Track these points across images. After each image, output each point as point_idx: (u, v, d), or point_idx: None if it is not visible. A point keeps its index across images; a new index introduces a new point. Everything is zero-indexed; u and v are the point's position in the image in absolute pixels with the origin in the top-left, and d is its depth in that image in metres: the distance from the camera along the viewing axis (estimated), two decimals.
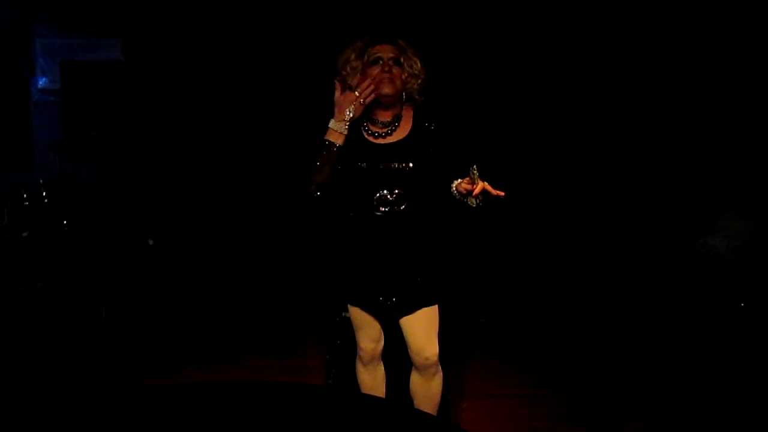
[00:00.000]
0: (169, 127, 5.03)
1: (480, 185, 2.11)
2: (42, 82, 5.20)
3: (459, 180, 2.23)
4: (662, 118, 4.55)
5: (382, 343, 2.55)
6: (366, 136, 2.40)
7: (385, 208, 2.34)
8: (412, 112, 2.42)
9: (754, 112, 4.20)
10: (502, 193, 2.14)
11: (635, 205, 4.56)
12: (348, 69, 2.35)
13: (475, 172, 2.13)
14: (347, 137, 2.31)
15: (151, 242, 4.95)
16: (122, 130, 4.93)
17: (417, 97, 2.42)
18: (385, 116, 2.39)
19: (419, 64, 2.37)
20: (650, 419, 3.09)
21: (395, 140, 2.37)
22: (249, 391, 2.01)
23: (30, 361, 3.68)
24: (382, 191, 2.34)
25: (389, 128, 2.39)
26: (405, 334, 2.44)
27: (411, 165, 2.33)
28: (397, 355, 2.55)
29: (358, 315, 2.48)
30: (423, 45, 2.43)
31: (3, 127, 5.27)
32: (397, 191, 2.33)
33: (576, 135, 4.75)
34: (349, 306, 2.50)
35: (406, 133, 2.38)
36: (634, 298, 4.20)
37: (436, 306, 2.42)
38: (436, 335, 2.43)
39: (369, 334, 2.50)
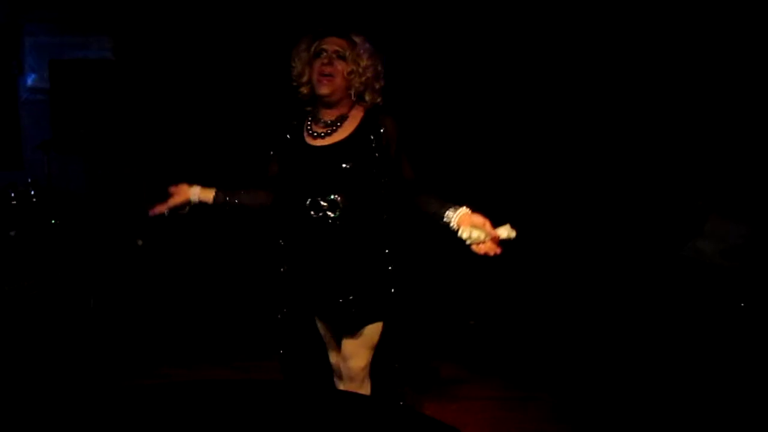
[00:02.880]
0: (159, 126, 5.00)
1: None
2: (31, 81, 5.17)
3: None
4: (651, 121, 4.56)
5: None
6: (305, 136, 2.26)
7: (317, 213, 2.19)
8: (362, 114, 2.25)
9: (743, 114, 4.22)
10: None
11: (624, 207, 4.57)
12: (296, 59, 2.25)
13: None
14: (287, 137, 2.28)
15: (140, 242, 4.93)
16: (112, 129, 4.91)
17: (367, 97, 2.25)
18: (328, 115, 2.25)
19: (366, 61, 2.20)
20: None
21: (333, 142, 2.22)
22: (239, 389, 1.98)
23: (17, 361, 3.66)
24: (315, 196, 2.19)
25: (329, 129, 2.23)
26: (341, 341, 2.32)
27: (346, 167, 2.17)
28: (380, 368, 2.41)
29: (321, 328, 2.37)
30: (391, 47, 2.36)
31: None
32: (331, 197, 2.18)
33: (565, 137, 4.76)
34: (315, 319, 2.37)
35: (348, 134, 2.22)
36: (624, 302, 4.21)
37: (378, 322, 2.25)
38: (368, 348, 2.27)
39: (335, 349, 2.37)
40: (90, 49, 5.08)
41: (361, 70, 2.20)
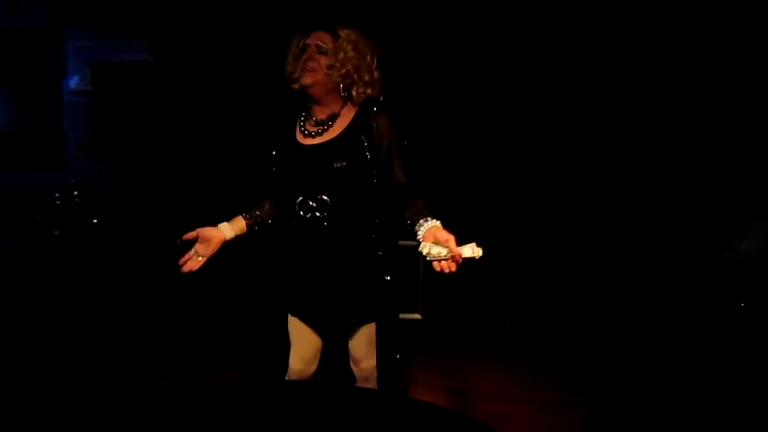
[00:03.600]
0: (196, 128, 5.07)
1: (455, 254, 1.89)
2: (73, 84, 5.28)
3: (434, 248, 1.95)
4: (696, 121, 4.49)
5: (315, 366, 2.36)
6: (296, 135, 2.24)
7: (305, 214, 2.16)
8: (354, 112, 2.21)
9: None
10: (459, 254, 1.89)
11: (668, 208, 4.50)
12: (289, 56, 2.24)
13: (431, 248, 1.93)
14: (280, 136, 2.26)
15: (178, 242, 4.99)
16: (150, 130, 4.98)
17: (354, 92, 2.18)
18: (320, 113, 2.22)
19: (347, 54, 2.15)
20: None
21: (324, 140, 2.18)
22: (268, 388, 2.00)
23: (58, 357, 3.74)
24: (303, 196, 2.16)
25: (320, 128, 2.20)
26: (347, 345, 2.30)
27: (337, 166, 2.12)
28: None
29: (295, 329, 2.33)
30: (391, 45, 2.29)
31: (36, 128, 5.36)
32: (320, 196, 2.15)
33: (607, 136, 4.70)
34: (288, 316, 2.33)
35: (339, 132, 2.18)
36: (665, 304, 4.15)
37: (377, 319, 2.22)
38: (374, 347, 2.23)
39: (302, 353, 2.32)
40: (129, 53, 5.16)
41: (339, 63, 2.14)
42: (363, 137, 2.14)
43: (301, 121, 2.25)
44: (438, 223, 2.03)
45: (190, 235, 2.21)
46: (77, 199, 4.64)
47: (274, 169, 2.23)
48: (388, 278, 2.20)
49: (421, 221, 2.04)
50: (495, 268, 4.66)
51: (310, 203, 2.15)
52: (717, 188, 4.30)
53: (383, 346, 2.24)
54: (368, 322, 2.23)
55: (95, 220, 4.68)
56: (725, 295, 3.69)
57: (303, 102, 2.29)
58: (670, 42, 4.47)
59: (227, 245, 2.26)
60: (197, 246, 2.21)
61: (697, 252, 4.09)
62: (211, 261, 2.25)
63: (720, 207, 4.15)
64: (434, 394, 3.38)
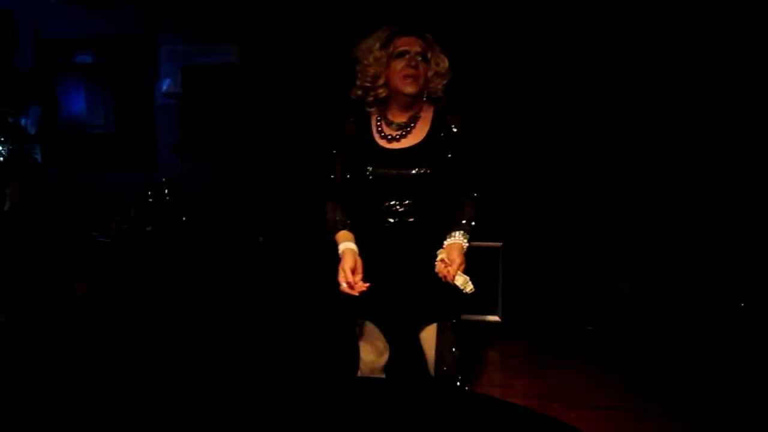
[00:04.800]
0: (282, 129, 5.20)
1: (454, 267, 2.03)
2: (165, 86, 5.52)
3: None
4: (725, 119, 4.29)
5: (386, 357, 2.36)
6: (377, 139, 2.21)
7: (393, 219, 2.16)
8: (431, 114, 2.22)
9: None
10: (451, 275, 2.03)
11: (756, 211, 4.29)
12: (371, 59, 2.16)
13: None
14: (354, 140, 2.22)
15: (261, 239, 5.14)
16: (238, 132, 5.14)
17: (441, 96, 2.21)
18: (401, 117, 2.21)
19: (446, 63, 2.18)
20: None
21: (408, 145, 2.18)
22: (354, 385, 2.03)
23: (150, 349, 3.91)
24: (391, 201, 2.15)
25: (403, 131, 2.19)
26: (422, 348, 2.30)
27: (424, 172, 2.12)
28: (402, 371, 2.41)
29: (362, 325, 2.32)
30: (448, 44, 2.25)
31: (130, 130, 5.65)
32: (407, 201, 2.14)
33: (671, 140, 4.52)
34: (359, 322, 2.32)
35: (422, 137, 2.18)
36: (754, 314, 3.95)
37: (454, 320, 2.24)
38: (451, 348, 2.25)
39: (374, 345, 2.33)
40: (218, 56, 5.34)
41: (443, 71, 2.18)
42: (444, 141, 2.17)
43: (378, 123, 2.23)
44: (463, 241, 2.11)
45: (358, 283, 2.10)
46: (168, 198, 4.86)
47: (367, 172, 2.18)
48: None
49: (452, 231, 2.13)
50: (577, 271, 4.56)
51: (398, 208, 2.15)
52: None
53: (461, 346, 2.25)
54: (445, 319, 2.24)
55: (184, 218, 4.88)
56: None
57: (364, 105, 2.26)
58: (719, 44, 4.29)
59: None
60: (350, 275, 2.11)
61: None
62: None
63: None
64: (511, 397, 3.34)
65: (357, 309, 2.28)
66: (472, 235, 2.15)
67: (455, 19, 4.56)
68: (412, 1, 4.11)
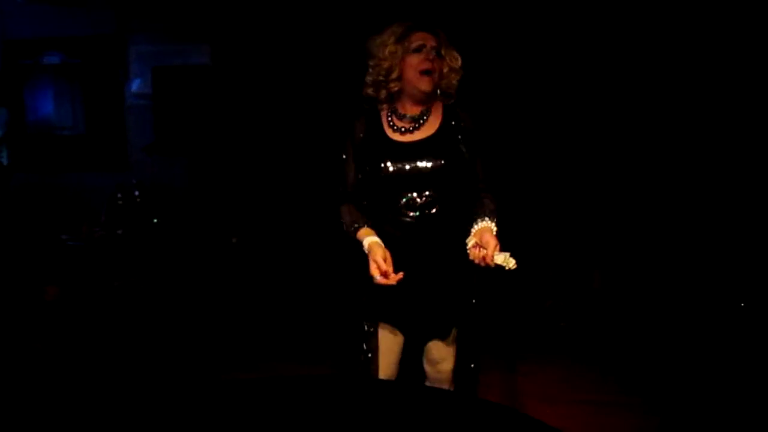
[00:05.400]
0: (253, 128, 5.17)
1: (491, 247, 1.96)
2: (135, 87, 5.46)
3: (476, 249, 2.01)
4: (723, 118, 4.37)
5: (398, 366, 2.32)
6: (389, 133, 2.18)
7: (414, 212, 2.13)
8: (441, 108, 2.21)
9: None
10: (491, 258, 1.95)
11: (732, 204, 4.36)
12: (386, 53, 2.13)
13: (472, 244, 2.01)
14: (366, 137, 2.17)
15: (234, 240, 5.11)
16: (209, 132, 5.11)
17: (453, 93, 2.20)
18: (414, 110, 2.18)
19: (460, 59, 2.17)
20: None
21: (423, 137, 2.16)
22: (343, 385, 2.01)
23: (121, 351, 3.86)
24: (411, 194, 2.12)
25: (416, 123, 2.17)
26: (424, 347, 2.27)
27: (441, 163, 2.11)
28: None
29: (385, 336, 2.24)
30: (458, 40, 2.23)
31: (100, 130, 5.57)
32: (427, 193, 2.12)
33: (666, 130, 4.58)
34: (379, 325, 2.24)
35: (435, 129, 2.17)
36: (727, 305, 4.02)
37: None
38: (454, 350, 2.25)
39: (392, 358, 2.27)
40: (190, 56, 5.30)
41: (457, 67, 2.16)
42: (457, 134, 2.17)
43: (389, 117, 2.20)
44: (491, 225, 2.07)
45: (395, 276, 2.04)
46: (139, 200, 4.81)
47: (383, 167, 2.13)
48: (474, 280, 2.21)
49: (477, 218, 2.09)
50: (550, 268, 4.60)
51: (418, 201, 2.12)
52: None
53: (466, 348, 2.25)
54: (458, 322, 2.23)
55: (156, 220, 4.83)
56: None
57: (372, 100, 2.23)
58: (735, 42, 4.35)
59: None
60: (383, 265, 2.05)
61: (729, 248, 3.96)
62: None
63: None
64: (487, 395, 3.34)
65: (382, 311, 2.22)
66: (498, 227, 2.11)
67: (450, 18, 4.56)
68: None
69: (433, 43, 2.13)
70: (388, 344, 2.27)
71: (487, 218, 2.09)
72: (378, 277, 2.02)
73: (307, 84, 5.03)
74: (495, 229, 2.06)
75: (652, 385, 3.47)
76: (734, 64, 4.34)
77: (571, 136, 4.70)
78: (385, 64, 2.14)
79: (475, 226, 2.08)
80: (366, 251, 2.09)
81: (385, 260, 2.03)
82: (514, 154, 4.63)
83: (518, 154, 4.66)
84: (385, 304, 2.20)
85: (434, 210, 2.13)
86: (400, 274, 2.01)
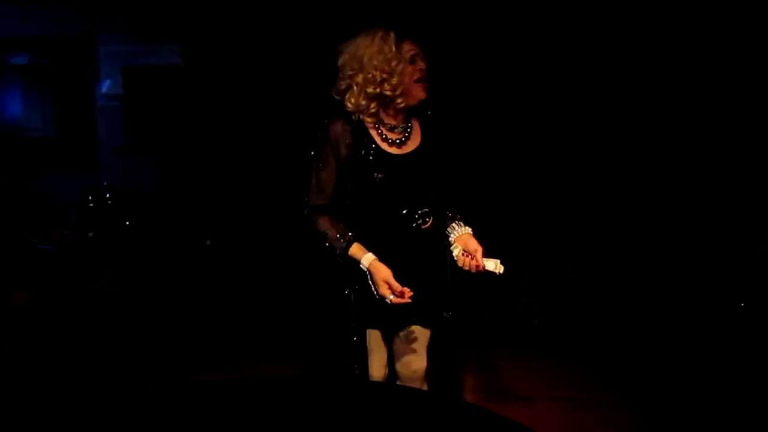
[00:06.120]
0: (227, 129, 5.14)
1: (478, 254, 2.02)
2: (106, 88, 5.39)
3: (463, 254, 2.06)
4: (719, 117, 4.42)
5: (388, 369, 2.33)
6: (381, 143, 2.12)
7: (412, 224, 2.13)
8: (416, 119, 2.20)
9: None
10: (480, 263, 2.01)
11: (702, 205, 4.43)
12: (392, 65, 2.05)
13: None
14: (355, 147, 2.10)
15: (208, 242, 5.07)
16: (182, 133, 5.06)
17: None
18: (398, 120, 2.16)
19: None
20: None
21: (413, 148, 2.15)
22: (310, 385, 2.01)
23: (91, 355, 3.82)
24: (406, 208, 2.12)
25: (404, 135, 2.14)
26: (395, 347, 2.27)
27: (434, 173, 2.15)
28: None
29: (375, 339, 2.25)
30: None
31: (70, 132, 5.49)
32: (420, 206, 2.13)
33: (636, 132, 4.64)
34: (367, 330, 2.24)
35: (419, 141, 2.16)
36: (699, 300, 4.08)
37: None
38: (426, 349, 2.26)
39: (381, 359, 2.28)
40: (161, 57, 5.25)
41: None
42: (438, 145, 2.19)
43: (378, 128, 2.14)
44: (469, 230, 2.13)
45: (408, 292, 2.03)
46: (110, 202, 4.75)
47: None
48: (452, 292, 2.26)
49: (453, 225, 2.14)
50: (523, 266, 4.64)
51: (414, 215, 2.12)
52: (751, 183, 4.22)
53: (443, 348, 2.28)
54: (431, 323, 2.25)
55: (128, 222, 4.78)
56: (760, 291, 3.62)
57: (364, 113, 2.14)
58: (698, 35, 4.41)
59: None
60: (396, 284, 2.03)
61: (730, 248, 4.02)
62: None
63: (753, 202, 4.07)
64: (461, 392, 3.37)
65: (369, 318, 2.20)
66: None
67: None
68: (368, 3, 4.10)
69: (419, 50, 2.12)
70: (381, 347, 2.28)
71: (461, 223, 2.14)
72: (391, 297, 2.02)
73: (280, 85, 5.01)
74: (470, 232, 2.13)
75: (626, 380, 3.52)
76: (712, 63, 4.39)
77: (545, 137, 4.74)
78: (394, 80, 2.06)
79: (454, 234, 2.12)
80: (367, 270, 2.06)
81: (393, 278, 2.03)
82: (489, 156, 4.68)
83: (493, 155, 4.70)
84: (372, 312, 2.19)
85: (428, 221, 2.14)
86: (411, 291, 2.01)
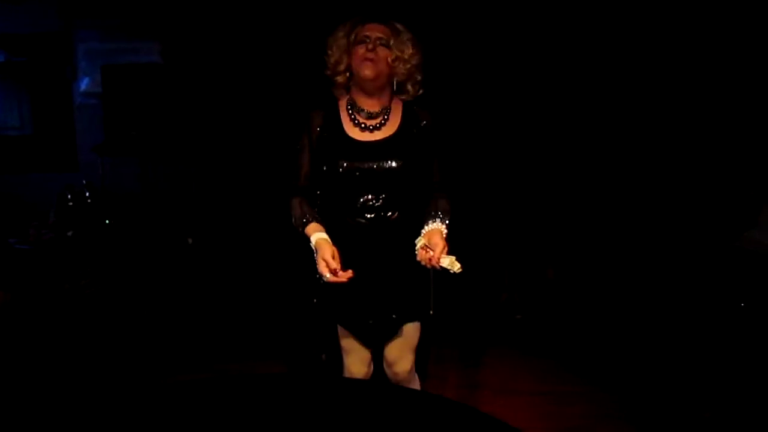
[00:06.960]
0: (206, 127, 5.11)
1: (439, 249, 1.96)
2: (84, 86, 5.33)
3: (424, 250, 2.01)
4: (702, 112, 4.47)
5: (372, 367, 2.32)
6: (348, 129, 2.14)
7: (370, 214, 2.11)
8: (401, 106, 2.19)
9: None
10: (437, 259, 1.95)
11: (678, 199, 4.48)
12: (334, 48, 2.15)
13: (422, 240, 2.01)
14: (324, 132, 2.14)
15: (190, 240, 5.04)
16: (162, 131, 5.02)
17: (410, 89, 2.18)
18: (371, 105, 2.15)
19: (411, 50, 2.12)
20: None
21: (383, 137, 2.13)
22: (292, 384, 2.00)
23: (72, 356, 3.78)
24: (367, 195, 2.10)
25: (378, 121, 2.14)
26: (384, 348, 2.27)
27: (400, 164, 2.09)
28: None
29: (347, 338, 2.26)
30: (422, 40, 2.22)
31: (48, 130, 5.43)
32: (383, 195, 2.10)
33: (614, 131, 4.69)
34: (338, 327, 2.25)
35: (394, 129, 2.15)
36: (677, 295, 4.13)
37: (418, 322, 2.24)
38: (412, 350, 2.26)
39: (360, 357, 2.27)
40: (140, 54, 5.21)
41: (406, 57, 2.12)
42: (415, 133, 2.16)
43: (350, 111, 2.16)
44: (442, 227, 2.07)
45: (345, 274, 2.00)
46: (89, 200, 4.70)
47: (340, 166, 2.10)
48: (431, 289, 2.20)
49: (429, 220, 2.09)
50: (505, 262, 4.66)
51: (375, 203, 2.11)
52: (727, 178, 4.27)
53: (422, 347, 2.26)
54: (410, 321, 2.23)
55: (108, 221, 4.74)
56: (739, 285, 3.66)
57: (333, 95, 2.22)
58: (680, 39, 4.45)
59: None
60: (332, 262, 2.01)
61: (709, 242, 4.07)
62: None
63: (730, 196, 4.12)
64: (444, 388, 3.39)
65: (338, 315, 2.22)
66: (449, 229, 2.10)
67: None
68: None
69: (379, 34, 2.11)
70: (352, 344, 2.27)
71: (438, 220, 2.08)
72: (327, 275, 1.99)
73: (260, 82, 4.99)
74: (445, 231, 2.06)
75: (608, 374, 3.55)
76: (708, 61, 4.43)
77: (527, 133, 4.77)
78: (332, 58, 2.16)
79: (426, 228, 2.07)
80: (313, 248, 2.06)
81: (333, 257, 2.00)
82: (471, 152, 4.69)
83: (475, 152, 4.71)
84: (339, 306, 2.19)
85: (390, 212, 2.11)
86: (350, 272, 1.98)
